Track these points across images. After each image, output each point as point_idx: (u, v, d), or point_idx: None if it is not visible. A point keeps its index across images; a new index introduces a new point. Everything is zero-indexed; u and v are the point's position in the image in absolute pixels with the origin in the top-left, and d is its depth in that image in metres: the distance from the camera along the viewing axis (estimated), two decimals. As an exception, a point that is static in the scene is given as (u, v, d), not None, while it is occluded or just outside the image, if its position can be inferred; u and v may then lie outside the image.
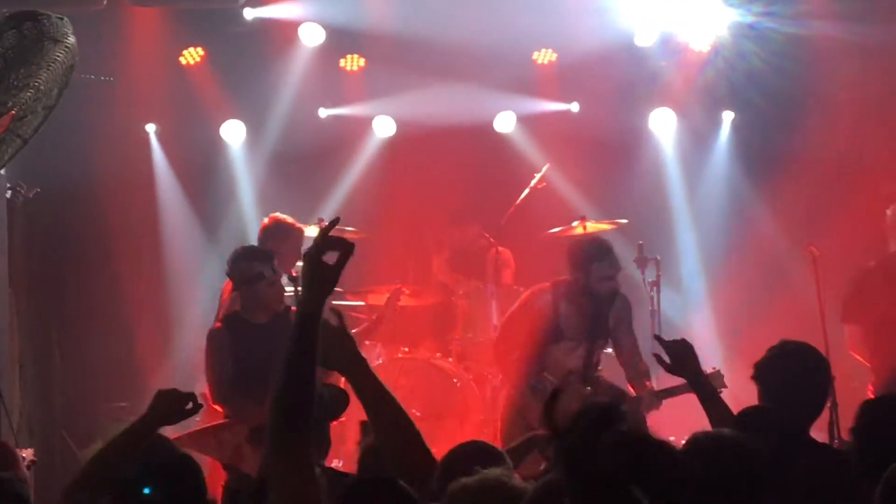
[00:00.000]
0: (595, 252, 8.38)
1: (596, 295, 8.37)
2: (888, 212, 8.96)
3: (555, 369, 8.28)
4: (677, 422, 6.48)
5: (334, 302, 9.89)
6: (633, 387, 8.37)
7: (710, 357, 10.50)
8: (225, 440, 7.65)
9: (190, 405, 4.60)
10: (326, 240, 3.60)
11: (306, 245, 9.29)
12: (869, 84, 10.70)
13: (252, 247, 8.55)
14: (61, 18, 5.18)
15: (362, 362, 4.06)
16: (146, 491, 3.82)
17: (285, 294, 8.22)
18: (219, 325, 8.19)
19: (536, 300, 8.40)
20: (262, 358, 7.86)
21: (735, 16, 10.86)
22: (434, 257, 11.14)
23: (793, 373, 5.16)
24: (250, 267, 8.03)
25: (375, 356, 10.02)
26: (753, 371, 5.25)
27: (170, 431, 5.43)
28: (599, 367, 8.73)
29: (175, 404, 4.58)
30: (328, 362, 3.84)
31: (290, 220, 9.08)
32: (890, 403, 4.68)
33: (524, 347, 8.36)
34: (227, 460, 7.50)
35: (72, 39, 5.05)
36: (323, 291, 3.58)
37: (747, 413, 4.74)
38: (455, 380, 9.83)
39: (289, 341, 3.53)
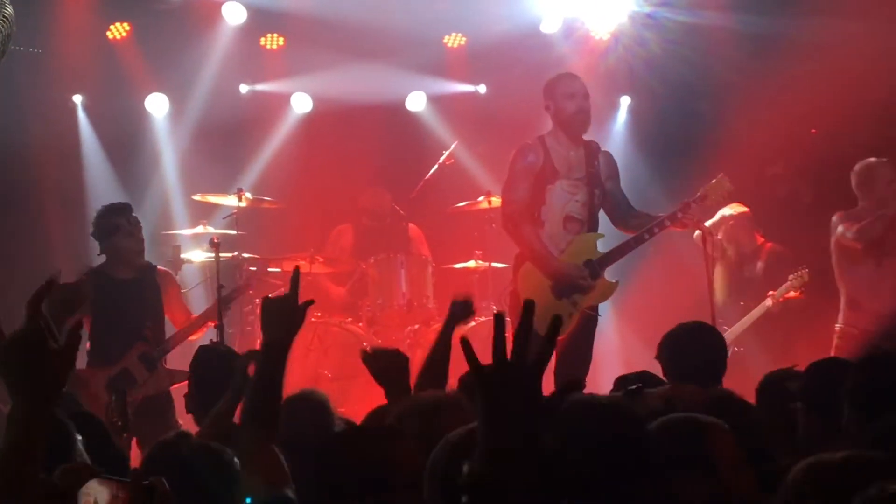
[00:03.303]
0: (556, 77, 8.11)
1: (575, 125, 7.94)
2: (855, 168, 9.12)
3: (553, 209, 7.86)
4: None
5: (252, 268, 9.90)
6: (633, 223, 8.01)
7: (611, 335, 10.65)
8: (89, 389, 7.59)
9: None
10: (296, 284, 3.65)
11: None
12: (758, 70, 10.83)
13: (112, 203, 8.30)
14: (-1, -11, 5.08)
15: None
16: None
17: (143, 247, 8.10)
18: (84, 277, 7.96)
19: (528, 153, 7.92)
20: (123, 313, 7.83)
21: (634, 5, 10.94)
22: (346, 226, 11.10)
23: (692, 349, 5.27)
24: (108, 220, 7.94)
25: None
26: (656, 351, 5.36)
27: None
28: None
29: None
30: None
31: None
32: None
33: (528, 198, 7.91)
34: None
35: (9, 9, 4.96)
36: (293, 331, 3.61)
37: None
38: (364, 343, 9.85)
39: (258, 368, 3.64)
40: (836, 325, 9.06)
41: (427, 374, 5.27)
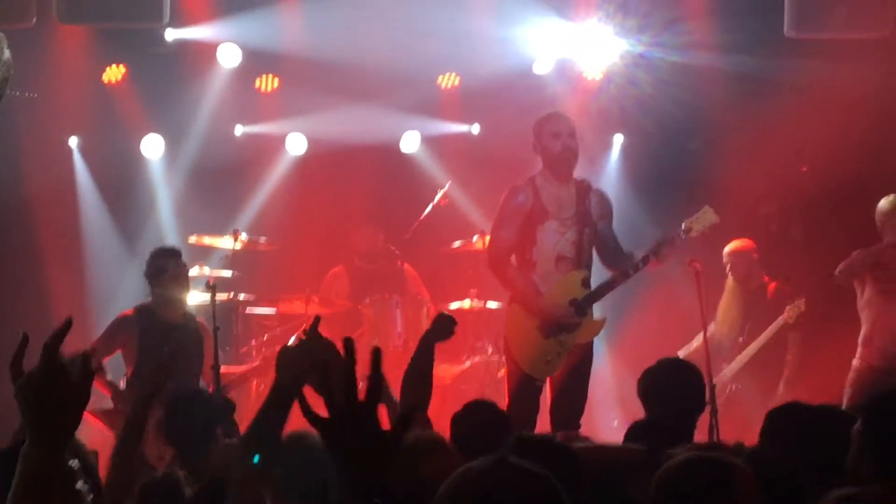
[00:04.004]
0: (544, 117, 8.13)
1: (561, 164, 7.96)
2: (880, 204, 9.13)
3: (545, 249, 7.87)
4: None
5: (248, 308, 9.91)
6: (619, 265, 8.00)
7: (606, 372, 10.63)
8: None
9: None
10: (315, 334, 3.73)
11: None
12: (749, 110, 10.88)
13: (163, 246, 8.57)
14: (-3, 33, 5.10)
15: None
16: None
17: (189, 285, 8.25)
18: (131, 311, 8.16)
19: (518, 193, 7.95)
20: (147, 345, 7.91)
21: (626, 45, 10.97)
22: (340, 269, 11.11)
23: (669, 385, 5.31)
24: (155, 262, 8.08)
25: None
26: (637, 388, 5.39)
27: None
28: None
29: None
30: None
31: None
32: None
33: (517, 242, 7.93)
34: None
35: (7, 54, 4.98)
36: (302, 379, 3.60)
37: (635, 426, 4.86)
38: (361, 383, 9.82)
39: (265, 405, 3.67)
40: (853, 360, 9.08)
41: (410, 385, 5.31)
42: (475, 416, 5.04)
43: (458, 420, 5.00)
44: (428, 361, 5.42)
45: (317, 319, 3.73)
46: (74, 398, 2.64)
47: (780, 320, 9.81)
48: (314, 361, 3.63)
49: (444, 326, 5.68)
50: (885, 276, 8.93)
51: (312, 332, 3.71)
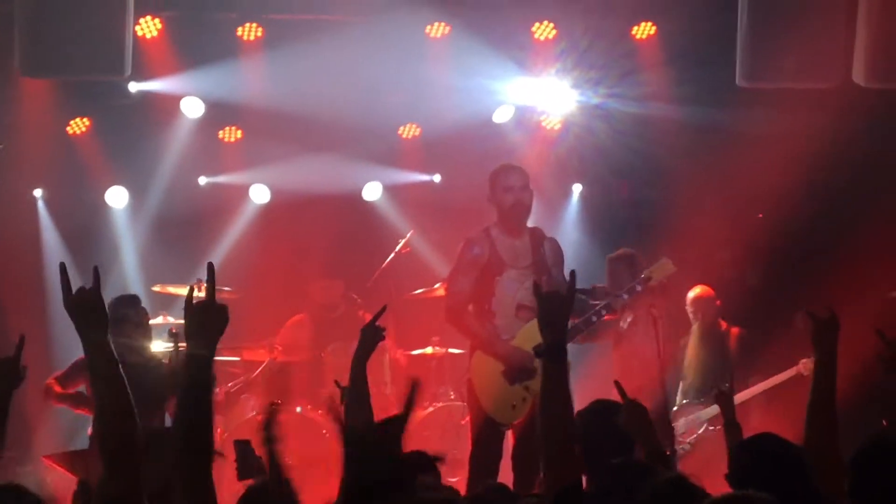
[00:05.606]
0: (497, 170, 8.18)
1: (513, 219, 8.03)
2: None
3: (504, 299, 7.92)
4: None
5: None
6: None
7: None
8: (93, 465, 7.59)
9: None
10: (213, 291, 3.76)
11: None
12: (704, 159, 10.99)
13: (122, 295, 8.57)
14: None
15: None
16: None
17: (150, 333, 8.28)
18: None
19: (473, 246, 8.02)
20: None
21: (583, 96, 11.08)
22: (303, 316, 11.11)
23: (603, 424, 5.28)
24: (116, 311, 8.09)
25: (250, 408, 10.01)
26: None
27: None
28: None
29: (10, 369, 4.48)
30: None
31: None
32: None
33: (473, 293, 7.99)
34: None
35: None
36: (214, 336, 3.66)
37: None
38: (324, 430, 9.84)
39: (183, 383, 3.66)
40: None
41: (351, 412, 5.13)
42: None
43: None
44: (363, 383, 5.24)
45: (210, 266, 3.87)
46: None
47: (793, 371, 9.80)
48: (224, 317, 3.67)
49: (370, 337, 5.54)
50: None
51: (210, 281, 3.80)
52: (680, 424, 9.78)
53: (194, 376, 3.63)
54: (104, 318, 3.86)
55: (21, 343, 3.96)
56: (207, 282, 3.81)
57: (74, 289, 3.96)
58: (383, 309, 5.76)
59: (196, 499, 3.51)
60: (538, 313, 4.51)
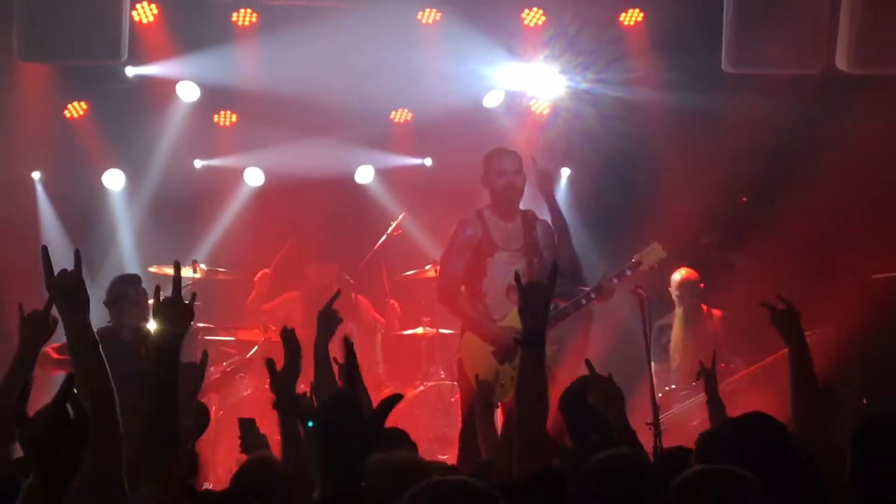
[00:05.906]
0: (490, 153, 8.31)
1: (505, 202, 8.14)
2: None
3: (495, 280, 8.07)
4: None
5: (207, 336, 10.04)
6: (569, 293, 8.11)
7: (553, 402, 10.73)
8: None
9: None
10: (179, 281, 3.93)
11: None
12: (690, 143, 11.10)
13: (124, 273, 8.80)
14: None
15: None
16: None
17: (148, 313, 8.35)
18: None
19: (466, 227, 8.16)
20: (118, 372, 7.99)
21: (572, 82, 11.19)
22: (297, 294, 11.21)
23: (586, 403, 5.37)
24: (116, 288, 8.20)
25: (245, 387, 10.13)
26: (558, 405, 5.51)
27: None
28: None
29: (41, 322, 4.73)
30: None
31: None
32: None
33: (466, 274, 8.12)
34: None
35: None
36: (181, 328, 3.84)
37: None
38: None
39: (151, 370, 3.79)
40: None
41: (319, 382, 5.12)
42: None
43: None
44: (327, 367, 5.22)
45: (177, 264, 4.06)
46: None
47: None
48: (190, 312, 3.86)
49: (326, 320, 5.53)
50: None
51: (176, 282, 3.96)
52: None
53: (160, 375, 3.76)
54: (85, 299, 3.97)
55: (50, 300, 4.11)
56: (174, 280, 3.93)
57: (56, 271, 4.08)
58: (337, 294, 5.86)
59: (159, 488, 3.62)
60: (518, 302, 4.67)
